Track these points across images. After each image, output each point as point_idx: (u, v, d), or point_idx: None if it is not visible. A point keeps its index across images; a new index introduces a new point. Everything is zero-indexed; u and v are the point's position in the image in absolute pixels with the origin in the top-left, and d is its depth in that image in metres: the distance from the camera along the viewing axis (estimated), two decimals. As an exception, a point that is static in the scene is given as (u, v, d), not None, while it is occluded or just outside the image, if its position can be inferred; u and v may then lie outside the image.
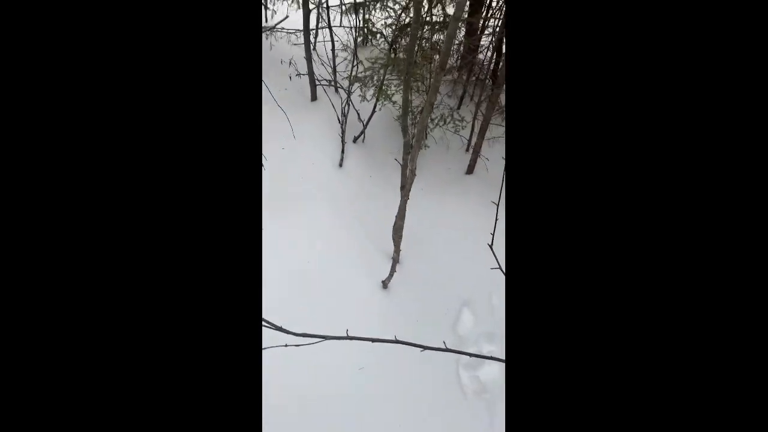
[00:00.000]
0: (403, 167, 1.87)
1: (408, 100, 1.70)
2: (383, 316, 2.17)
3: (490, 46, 2.80)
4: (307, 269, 2.21)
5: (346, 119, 2.53)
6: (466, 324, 2.25)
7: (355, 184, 2.56)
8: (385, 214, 2.30)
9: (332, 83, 2.86)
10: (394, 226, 2.11)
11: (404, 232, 2.17)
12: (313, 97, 2.80)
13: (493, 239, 0.98)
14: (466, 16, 2.61)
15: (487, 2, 2.69)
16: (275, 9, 2.89)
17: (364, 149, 2.78)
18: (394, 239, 2.17)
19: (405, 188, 1.94)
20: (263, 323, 0.79)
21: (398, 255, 2.17)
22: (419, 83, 2.58)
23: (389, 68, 2.48)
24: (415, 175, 1.90)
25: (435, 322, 2.19)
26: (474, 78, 2.90)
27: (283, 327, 0.90)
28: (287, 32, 2.95)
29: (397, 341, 0.92)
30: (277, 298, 2.01)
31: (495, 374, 2.12)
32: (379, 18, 3.00)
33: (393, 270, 2.15)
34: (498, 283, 2.20)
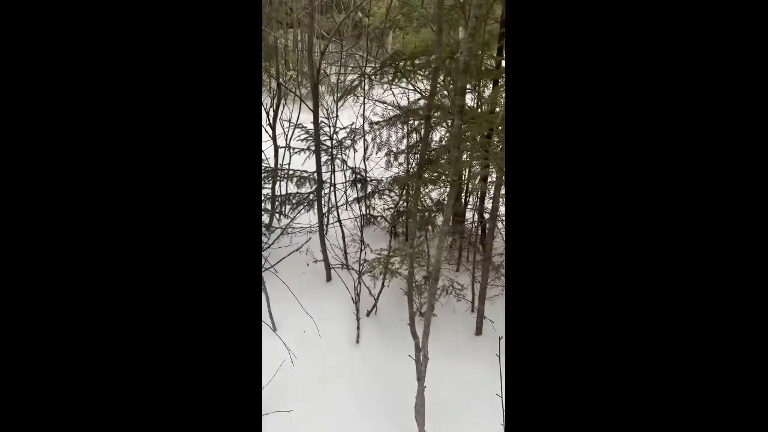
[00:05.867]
0: (416, 351, 1.83)
1: (411, 282, 1.74)
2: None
3: (474, 218, 3.21)
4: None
5: (359, 297, 2.77)
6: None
7: (372, 361, 2.57)
8: (404, 391, 2.23)
9: (344, 266, 3.29)
10: (415, 407, 2.04)
11: (426, 407, 2.06)
12: (328, 279, 3.20)
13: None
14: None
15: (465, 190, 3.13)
16: (288, 214, 3.50)
17: (378, 322, 2.88)
18: (417, 420, 2.08)
19: (420, 379, 1.89)
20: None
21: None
22: (420, 258, 2.83)
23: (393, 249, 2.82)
24: (428, 359, 1.84)
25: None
26: (467, 243, 3.25)
27: None
28: (303, 229, 3.61)
29: None
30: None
31: None
32: (378, 204, 3.65)
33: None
34: None
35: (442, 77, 2.30)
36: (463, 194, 3.27)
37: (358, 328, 2.72)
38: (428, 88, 2.61)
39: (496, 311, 2.89)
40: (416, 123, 3.16)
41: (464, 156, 2.53)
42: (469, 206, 3.30)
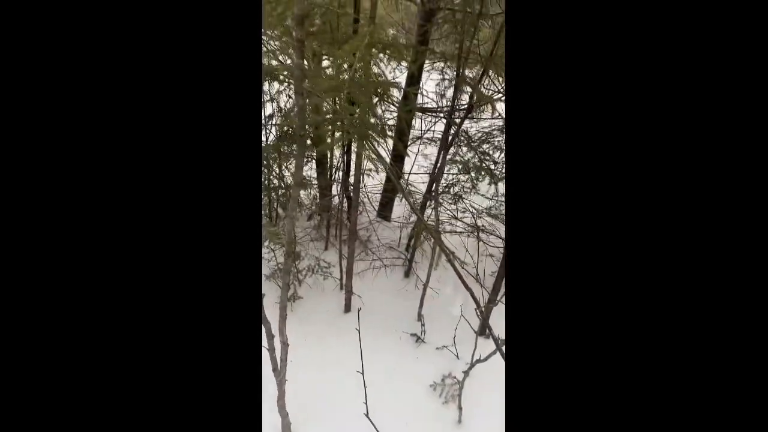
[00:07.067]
0: (269, 339, 1.65)
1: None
2: None
3: (342, 195, 3.22)
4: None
5: None
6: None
7: None
8: (266, 382, 2.03)
9: None
10: (277, 399, 1.84)
11: (293, 391, 1.88)
12: None
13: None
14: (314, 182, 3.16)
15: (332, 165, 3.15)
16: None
17: None
18: (280, 413, 1.89)
19: (277, 369, 1.69)
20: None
21: (289, 427, 1.85)
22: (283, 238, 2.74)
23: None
24: (288, 345, 1.68)
25: None
26: (334, 221, 3.26)
27: None
28: None
29: None
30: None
31: None
32: None
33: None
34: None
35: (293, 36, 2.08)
36: (329, 172, 3.14)
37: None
38: (277, 45, 2.38)
39: (365, 286, 2.88)
40: (274, 90, 2.87)
41: (328, 129, 2.40)
42: (336, 182, 3.20)
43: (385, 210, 3.47)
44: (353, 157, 2.80)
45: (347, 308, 2.69)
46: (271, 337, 1.53)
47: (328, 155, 3.05)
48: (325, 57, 2.45)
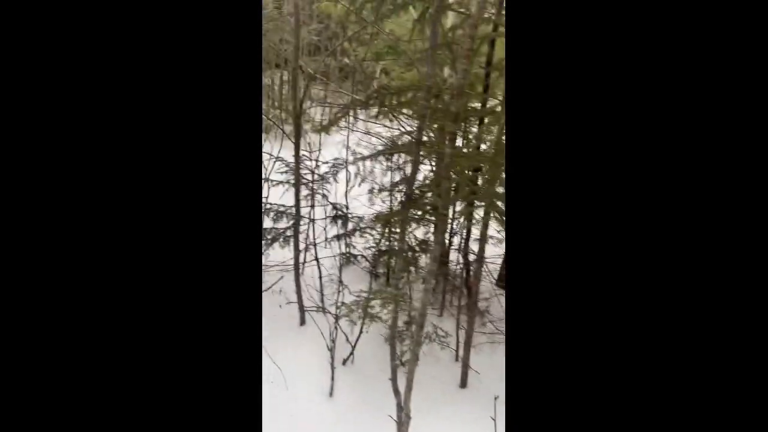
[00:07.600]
0: (398, 411, 1.61)
1: (395, 331, 1.50)
2: None
3: (459, 260, 3.07)
4: None
5: (334, 343, 2.52)
6: None
7: (347, 418, 2.32)
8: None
9: (320, 309, 3.06)
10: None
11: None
12: (302, 322, 3.00)
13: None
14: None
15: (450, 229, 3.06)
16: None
17: (355, 372, 2.64)
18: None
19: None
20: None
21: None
22: (402, 302, 2.60)
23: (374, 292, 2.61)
24: (410, 418, 1.63)
25: None
26: (451, 286, 3.11)
27: None
28: (276, 267, 3.36)
29: None
30: None
31: None
32: (359, 242, 3.42)
33: None
34: None
35: (428, 117, 2.26)
36: (447, 235, 3.16)
37: (332, 378, 2.47)
38: (412, 124, 2.59)
39: (482, 361, 2.70)
40: (401, 161, 3.09)
41: (451, 193, 2.45)
42: (453, 247, 3.19)
43: (504, 280, 3.31)
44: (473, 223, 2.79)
45: (463, 383, 2.54)
46: (400, 409, 1.51)
47: (448, 221, 3.09)
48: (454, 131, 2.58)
